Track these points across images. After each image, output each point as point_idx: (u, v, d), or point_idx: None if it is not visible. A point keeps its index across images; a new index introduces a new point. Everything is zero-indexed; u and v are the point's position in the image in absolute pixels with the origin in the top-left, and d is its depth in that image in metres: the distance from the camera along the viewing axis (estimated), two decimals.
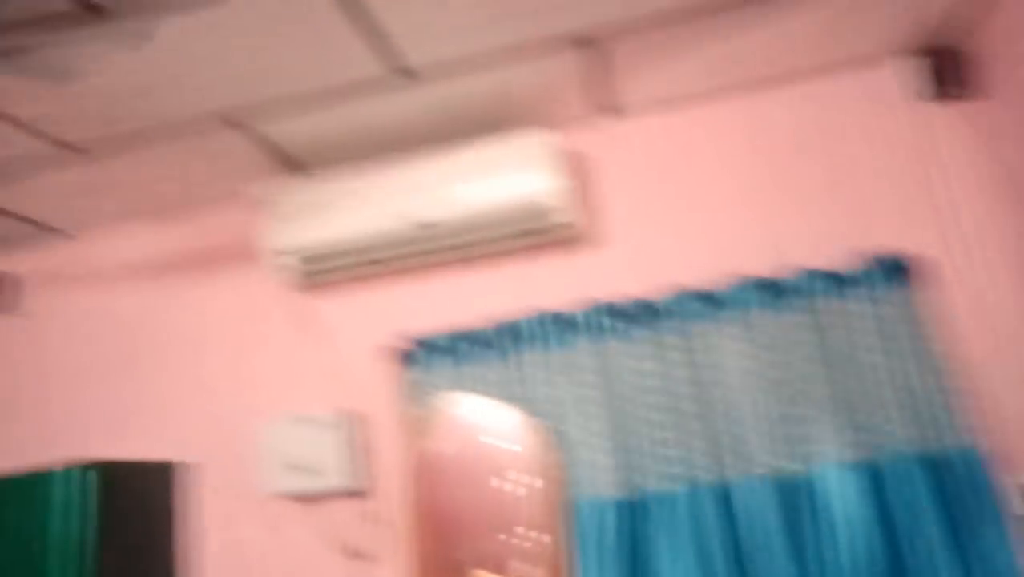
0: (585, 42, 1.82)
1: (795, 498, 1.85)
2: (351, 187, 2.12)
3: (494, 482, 1.20)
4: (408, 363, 2.18)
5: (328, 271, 2.18)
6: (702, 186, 2.17)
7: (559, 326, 2.08)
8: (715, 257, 2.10)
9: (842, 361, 1.92)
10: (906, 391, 1.87)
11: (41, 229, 2.49)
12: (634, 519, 1.92)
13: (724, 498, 1.89)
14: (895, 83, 2.11)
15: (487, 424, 1.28)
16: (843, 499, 1.81)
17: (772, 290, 1.99)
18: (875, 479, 1.83)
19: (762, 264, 2.05)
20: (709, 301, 2.01)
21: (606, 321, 2.05)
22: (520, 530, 1.15)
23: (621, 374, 2.01)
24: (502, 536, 1.14)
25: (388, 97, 1.93)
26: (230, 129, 1.99)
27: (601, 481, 1.94)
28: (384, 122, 2.05)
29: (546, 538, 1.14)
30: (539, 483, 1.18)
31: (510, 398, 2.02)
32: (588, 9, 1.69)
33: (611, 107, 2.19)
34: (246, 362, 2.34)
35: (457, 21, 1.68)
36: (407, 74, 1.83)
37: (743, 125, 2.18)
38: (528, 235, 2.11)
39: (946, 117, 2.07)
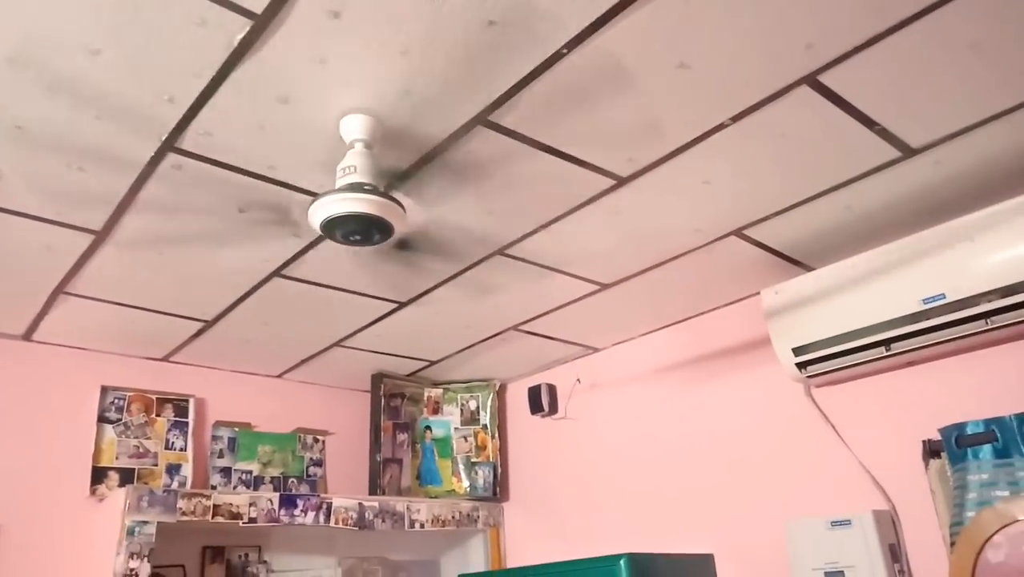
0: None
1: None
2: (854, 275, 2.10)
3: None
4: (938, 457, 2.01)
5: (841, 365, 2.15)
6: None
7: None
8: None
9: None
10: None
11: (577, 347, 3.03)
12: None
13: None
14: None
15: None
16: None
17: None
18: None
19: None
20: None
21: None
22: None
23: None
24: None
25: (881, 180, 1.89)
26: (732, 239, 2.17)
27: None
28: (879, 205, 2.01)
29: None
30: None
31: None
32: None
33: None
34: (768, 459, 2.42)
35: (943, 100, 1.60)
36: (904, 152, 1.78)
37: None
38: None
39: None
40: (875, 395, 2.22)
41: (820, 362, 2.16)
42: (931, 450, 2.05)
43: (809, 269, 2.31)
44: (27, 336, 2.62)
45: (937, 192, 1.95)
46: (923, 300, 1.96)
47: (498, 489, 3.23)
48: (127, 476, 2.68)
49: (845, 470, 2.21)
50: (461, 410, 3.38)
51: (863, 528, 2.03)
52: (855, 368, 2.15)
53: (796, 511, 2.23)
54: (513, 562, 3.16)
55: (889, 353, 2.06)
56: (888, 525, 2.07)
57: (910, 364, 2.15)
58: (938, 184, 1.91)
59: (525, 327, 2.80)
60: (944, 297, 1.93)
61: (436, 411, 3.39)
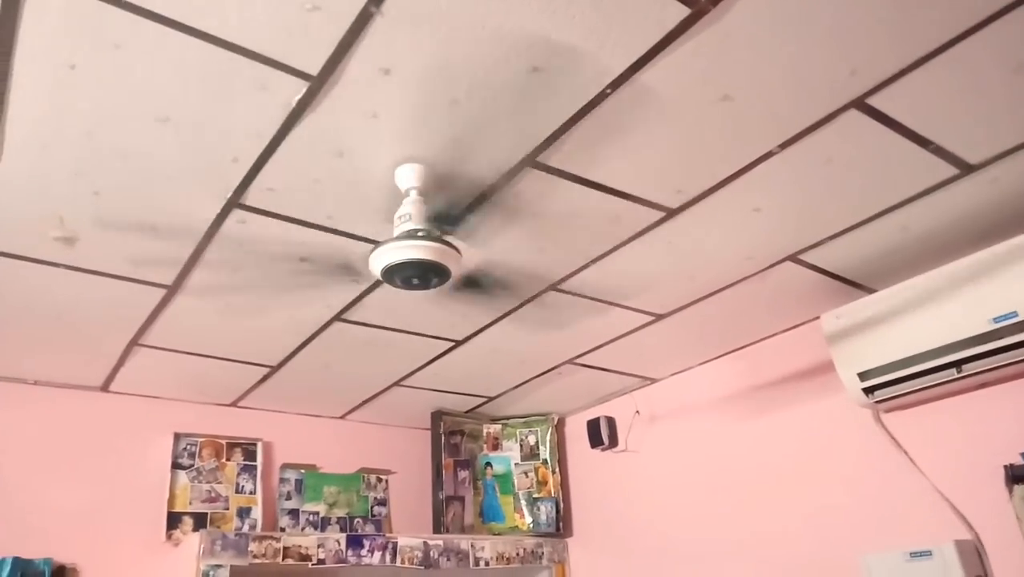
0: None
1: None
2: (918, 296, 2.05)
3: None
4: (1022, 483, 1.92)
5: (910, 388, 2.08)
6: None
7: None
8: None
9: None
10: None
11: (634, 378, 3.01)
12: None
13: None
14: None
15: None
16: None
17: None
18: None
19: None
20: None
21: None
22: None
23: None
24: None
25: (939, 199, 1.85)
26: (787, 265, 2.15)
27: None
28: (938, 224, 1.96)
29: None
30: None
31: None
32: None
33: None
34: (838, 488, 2.34)
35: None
36: (962, 169, 1.74)
37: None
38: None
39: None
40: (949, 419, 2.13)
41: (888, 387, 2.10)
42: (1014, 475, 1.96)
43: (870, 291, 2.26)
44: (104, 387, 2.74)
45: (997, 209, 1.89)
46: (993, 319, 1.90)
47: (561, 525, 3.20)
48: (200, 520, 2.76)
49: (921, 499, 2.12)
50: (520, 445, 3.38)
51: (945, 559, 1.94)
52: (926, 391, 2.08)
53: (872, 543, 2.15)
54: None
55: (961, 375, 1.98)
56: (973, 556, 1.98)
57: (984, 385, 2.06)
58: (998, 201, 1.86)
59: (581, 360, 2.80)
60: (1016, 315, 1.86)
61: (496, 447, 3.40)
